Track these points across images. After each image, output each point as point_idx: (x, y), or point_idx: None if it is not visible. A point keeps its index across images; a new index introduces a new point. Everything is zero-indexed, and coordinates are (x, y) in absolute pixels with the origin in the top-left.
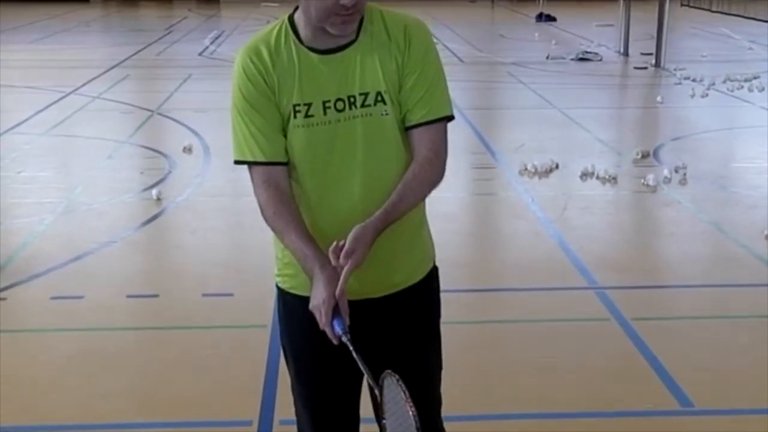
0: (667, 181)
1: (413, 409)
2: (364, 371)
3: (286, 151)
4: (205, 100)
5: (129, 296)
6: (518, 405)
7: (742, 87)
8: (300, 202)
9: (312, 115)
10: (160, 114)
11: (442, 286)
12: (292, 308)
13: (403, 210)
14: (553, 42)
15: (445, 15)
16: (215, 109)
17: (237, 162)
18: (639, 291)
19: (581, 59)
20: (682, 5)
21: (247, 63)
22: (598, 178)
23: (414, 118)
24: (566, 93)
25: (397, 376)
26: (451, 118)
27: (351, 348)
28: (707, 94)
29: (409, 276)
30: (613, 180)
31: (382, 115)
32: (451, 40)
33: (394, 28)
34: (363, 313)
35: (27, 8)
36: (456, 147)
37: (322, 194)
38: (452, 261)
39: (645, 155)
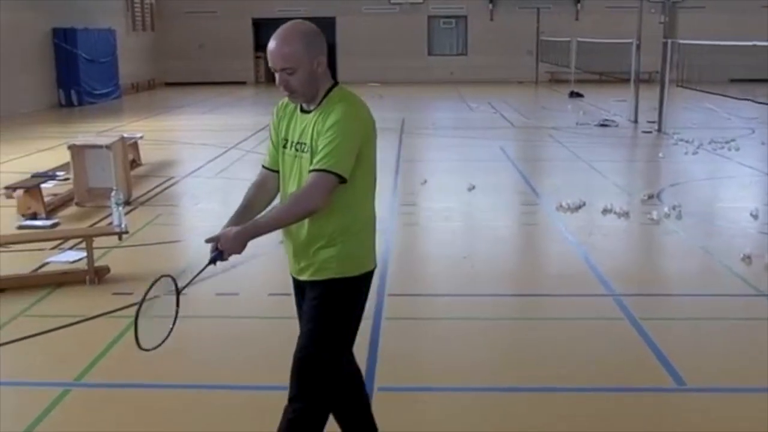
0: (667, 216)
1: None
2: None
3: (277, 163)
4: None
5: (270, 294)
6: (551, 380)
7: (723, 147)
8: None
9: (286, 148)
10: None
11: (499, 291)
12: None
13: (269, 223)
14: (581, 112)
15: (501, 93)
16: None
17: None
18: (646, 297)
19: (602, 125)
20: (677, 86)
21: (276, 106)
22: (614, 213)
23: (313, 166)
24: (591, 149)
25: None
26: (336, 175)
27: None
28: (697, 152)
29: (313, 272)
30: (626, 215)
31: (306, 160)
32: (505, 111)
33: (330, 106)
34: (297, 287)
35: (201, 89)
36: (508, 188)
37: (282, 200)
38: (504, 273)
39: (650, 196)
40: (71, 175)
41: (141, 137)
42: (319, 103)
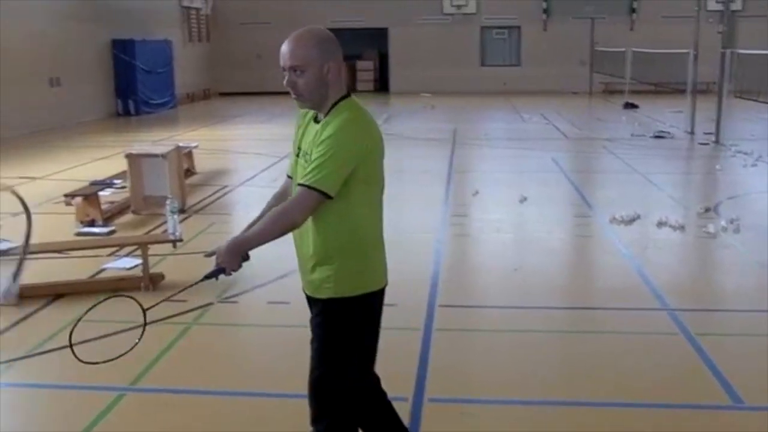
0: (724, 229)
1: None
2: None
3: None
4: None
5: None
6: (605, 395)
7: None
8: None
9: (299, 156)
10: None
11: (551, 303)
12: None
13: (256, 236)
14: (636, 123)
15: (554, 104)
16: (385, 169)
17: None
18: (701, 312)
19: (657, 137)
20: (736, 97)
21: (299, 113)
22: (670, 226)
23: (301, 179)
24: (646, 161)
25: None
26: (319, 192)
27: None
28: (756, 164)
29: (313, 290)
30: (682, 228)
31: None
32: (558, 122)
33: (333, 118)
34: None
35: (255, 99)
36: (560, 200)
37: None
38: (556, 285)
39: (707, 209)
40: (128, 184)
41: (196, 146)
42: (327, 113)
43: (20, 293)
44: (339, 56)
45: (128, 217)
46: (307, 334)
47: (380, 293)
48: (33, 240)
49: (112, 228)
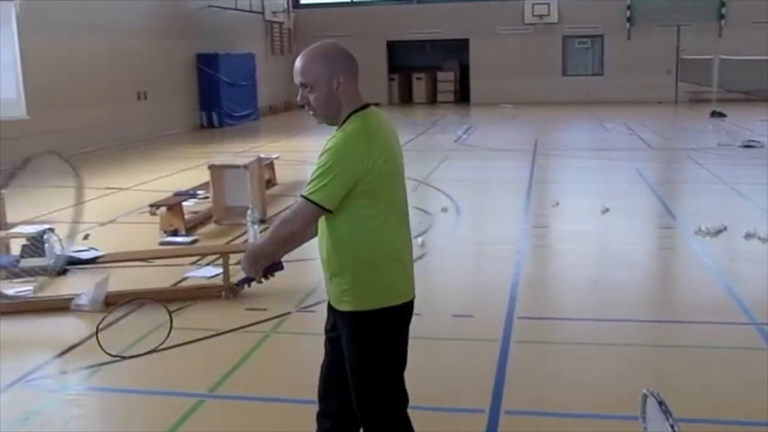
0: None
1: None
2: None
3: None
4: (458, 175)
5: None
6: (690, 411)
7: None
8: None
9: None
10: (425, 183)
11: (633, 316)
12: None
13: (264, 244)
14: (723, 133)
15: (638, 113)
16: (465, 180)
17: None
18: None
19: (746, 146)
20: None
21: None
22: (759, 238)
23: (302, 190)
24: (733, 171)
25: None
26: (314, 204)
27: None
28: None
29: (334, 301)
30: None
31: None
32: (642, 132)
33: (338, 132)
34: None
35: None
36: (644, 211)
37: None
38: (638, 298)
39: None
40: (210, 194)
41: (277, 158)
42: (340, 126)
43: (106, 300)
44: (351, 69)
45: (210, 226)
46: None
47: (402, 308)
48: (119, 248)
49: (195, 237)
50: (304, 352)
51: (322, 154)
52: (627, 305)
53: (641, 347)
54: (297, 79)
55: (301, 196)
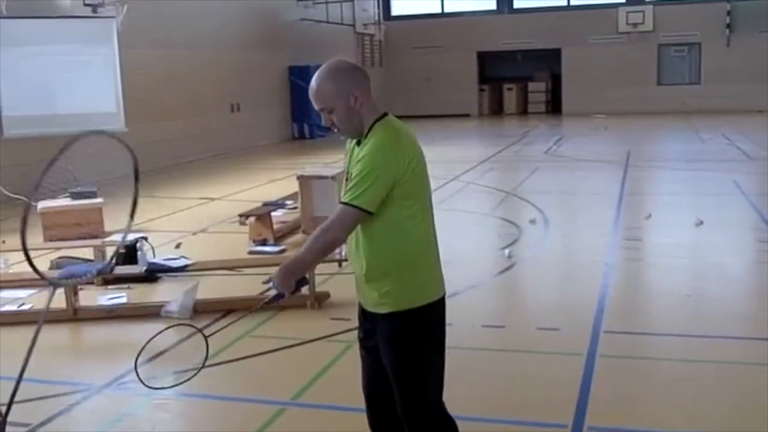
0: None
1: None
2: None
3: None
4: (548, 186)
5: (483, 325)
6: None
7: None
8: None
9: (347, 180)
10: (514, 195)
11: (727, 333)
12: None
13: (303, 256)
14: None
15: (737, 123)
16: (555, 192)
17: None
18: None
19: None
20: None
21: (349, 141)
22: None
23: (341, 198)
24: None
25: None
26: (357, 208)
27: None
28: None
29: (373, 305)
30: None
31: None
32: (741, 142)
33: (368, 141)
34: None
35: (425, 122)
36: (741, 224)
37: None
38: (733, 313)
39: None
40: (298, 204)
41: None
42: (365, 136)
43: (195, 308)
44: (363, 82)
45: (298, 236)
46: (468, 355)
47: (437, 304)
48: (209, 257)
49: (283, 247)
50: None
51: (357, 163)
52: (721, 321)
53: (735, 365)
54: (316, 106)
55: (342, 203)
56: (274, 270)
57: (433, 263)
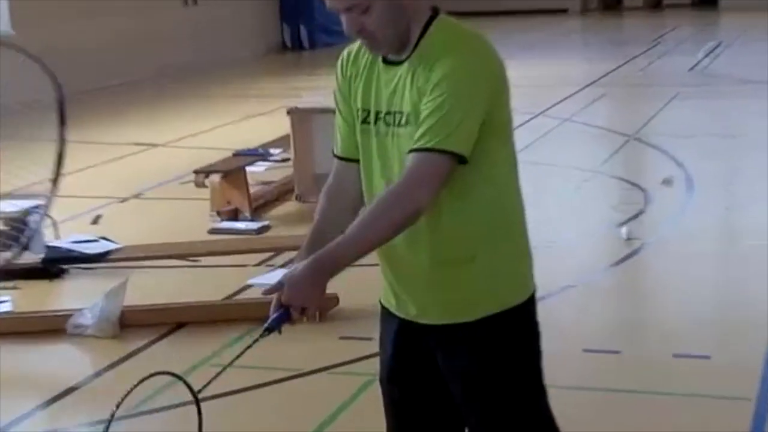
0: None
1: None
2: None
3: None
4: (693, 124)
5: (586, 350)
6: None
7: None
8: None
9: (368, 123)
10: (637, 139)
11: None
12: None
13: (352, 245)
14: None
15: None
16: (704, 134)
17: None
18: None
19: None
20: None
21: (339, 61)
22: None
23: (414, 144)
24: None
25: None
26: (451, 154)
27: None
28: None
29: (442, 313)
30: None
31: (409, 137)
32: None
33: (433, 50)
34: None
35: (496, 21)
36: None
37: (368, 203)
38: None
39: None
40: (291, 155)
41: None
42: (414, 47)
43: (121, 320)
44: None
45: (290, 205)
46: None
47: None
48: (145, 238)
49: (265, 223)
50: None
51: (433, 88)
52: None
53: None
54: (341, 3)
55: (421, 149)
56: (277, 272)
57: (527, 233)
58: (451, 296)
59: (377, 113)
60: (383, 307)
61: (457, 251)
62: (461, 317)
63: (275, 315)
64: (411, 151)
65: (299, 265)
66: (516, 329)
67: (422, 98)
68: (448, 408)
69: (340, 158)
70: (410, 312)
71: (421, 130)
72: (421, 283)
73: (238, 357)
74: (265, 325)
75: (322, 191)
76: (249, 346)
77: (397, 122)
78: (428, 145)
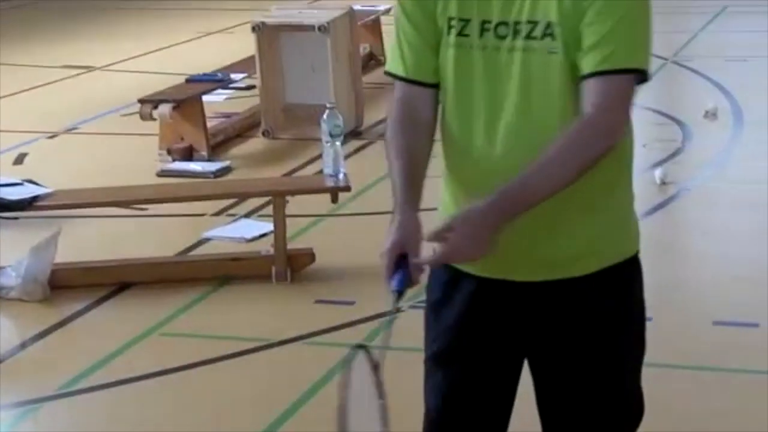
0: None
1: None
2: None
3: (437, 73)
4: (744, 44)
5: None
6: None
7: None
8: (443, 136)
9: (467, 35)
10: (675, 62)
11: None
12: None
13: (535, 188)
14: None
15: None
16: (757, 57)
17: (386, 73)
18: None
19: None
20: None
21: None
22: None
23: (586, 66)
24: None
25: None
26: (639, 72)
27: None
28: None
29: (551, 268)
30: None
31: (549, 52)
32: None
33: None
34: (506, 296)
35: None
36: None
37: (463, 135)
38: None
39: None
40: (257, 81)
41: (387, 11)
42: None
43: (51, 280)
44: None
45: (255, 142)
46: None
47: None
48: (79, 182)
49: (226, 164)
50: None
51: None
52: None
53: None
54: None
55: (606, 72)
56: (240, 223)
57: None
58: (568, 242)
59: (483, 23)
60: (446, 271)
61: (578, 198)
62: (572, 272)
63: (398, 274)
64: (591, 74)
65: (477, 204)
66: (636, 280)
67: (585, 5)
68: (508, 395)
69: (411, 81)
70: (505, 269)
71: (600, 47)
72: (532, 233)
73: (390, 322)
74: (393, 286)
75: (390, 128)
76: (395, 314)
77: (526, 34)
78: (619, 66)
